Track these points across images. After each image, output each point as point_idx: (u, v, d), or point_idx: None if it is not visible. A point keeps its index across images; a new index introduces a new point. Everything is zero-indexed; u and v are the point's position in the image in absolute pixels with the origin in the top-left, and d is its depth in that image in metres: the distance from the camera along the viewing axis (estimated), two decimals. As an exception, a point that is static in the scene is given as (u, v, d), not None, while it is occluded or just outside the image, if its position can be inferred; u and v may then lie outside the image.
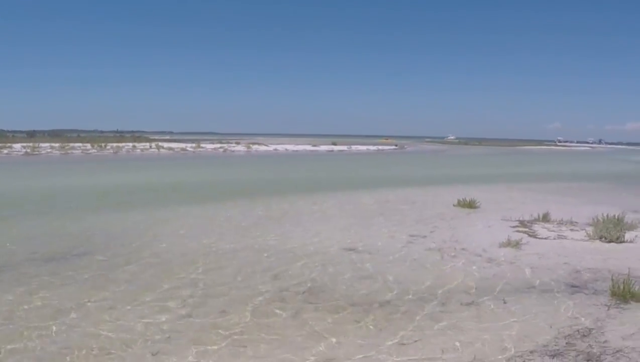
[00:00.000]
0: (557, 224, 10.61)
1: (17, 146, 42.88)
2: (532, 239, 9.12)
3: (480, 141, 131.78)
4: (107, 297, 6.00)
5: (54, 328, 5.04)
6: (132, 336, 4.89)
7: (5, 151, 39.71)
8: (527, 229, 10.05)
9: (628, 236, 9.03)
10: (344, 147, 63.44)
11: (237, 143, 62.16)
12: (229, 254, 8.15)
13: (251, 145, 57.90)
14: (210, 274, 6.99)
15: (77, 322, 5.21)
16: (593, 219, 9.71)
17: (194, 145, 53.36)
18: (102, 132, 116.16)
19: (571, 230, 9.97)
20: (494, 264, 7.52)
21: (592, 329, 4.94)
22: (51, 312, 5.47)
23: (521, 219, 11.25)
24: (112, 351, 4.56)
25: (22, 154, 38.96)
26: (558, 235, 9.49)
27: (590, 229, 9.37)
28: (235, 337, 4.89)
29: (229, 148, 54.21)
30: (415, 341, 4.78)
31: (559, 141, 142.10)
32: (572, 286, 6.41)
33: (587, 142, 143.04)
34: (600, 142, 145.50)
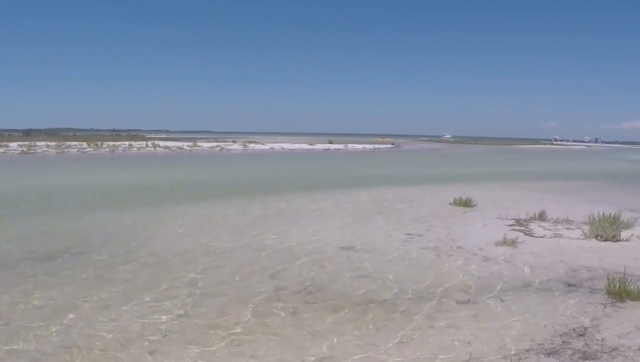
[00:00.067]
0: (554, 222, 10.65)
1: (13, 145, 42.73)
2: (528, 238, 9.16)
3: (476, 140, 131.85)
4: (105, 297, 5.99)
5: (51, 328, 5.03)
6: (129, 336, 4.88)
7: (1, 150, 39.51)
8: (523, 228, 10.09)
9: (624, 234, 9.07)
10: (341, 146, 63.42)
11: (234, 142, 62.08)
12: (226, 253, 8.15)
13: (247, 144, 57.85)
14: (208, 274, 6.99)
15: (74, 323, 5.20)
16: (589, 217, 9.75)
17: (190, 143, 53.25)
18: (98, 130, 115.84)
19: (567, 229, 10.01)
20: (490, 263, 7.55)
21: (588, 327, 4.97)
22: (48, 313, 5.45)
23: (517, 217, 11.28)
24: (110, 351, 4.56)
25: (18, 153, 38.81)
26: (554, 234, 9.53)
27: (586, 228, 9.41)
28: (234, 337, 4.89)
29: (226, 147, 54.16)
30: (414, 340, 4.80)
31: (555, 140, 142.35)
32: (569, 285, 6.44)
33: (584, 141, 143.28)
34: (596, 141, 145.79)
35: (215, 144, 57.17)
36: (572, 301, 5.79)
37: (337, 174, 26.77)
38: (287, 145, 58.75)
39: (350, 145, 65.77)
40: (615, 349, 4.41)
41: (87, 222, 10.75)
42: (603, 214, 9.39)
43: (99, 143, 47.34)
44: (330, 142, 67.89)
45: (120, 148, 45.80)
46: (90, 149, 44.06)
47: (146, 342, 4.73)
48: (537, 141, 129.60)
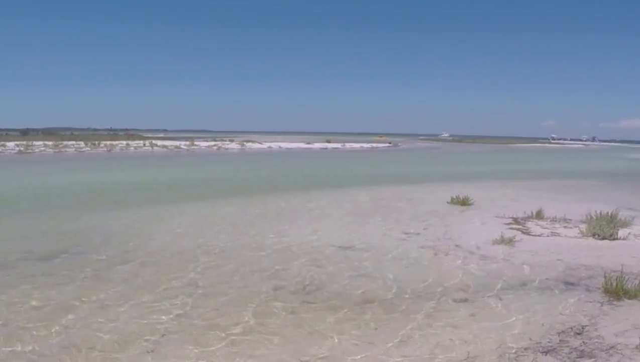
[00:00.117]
0: (551, 221, 10.68)
1: (11, 145, 42.65)
2: (525, 236, 9.18)
3: (474, 139, 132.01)
4: (103, 297, 5.99)
5: (50, 329, 5.02)
6: (128, 336, 4.87)
7: (-2, 149, 39.45)
8: (520, 227, 10.11)
9: (621, 233, 9.10)
10: (338, 145, 63.45)
11: (231, 141, 62.11)
12: (225, 253, 8.15)
13: (245, 143, 57.81)
14: (207, 273, 6.99)
15: (73, 323, 5.19)
16: (587, 216, 9.78)
17: (187, 143, 53.24)
18: (95, 130, 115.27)
19: (565, 227, 10.04)
20: (488, 262, 7.57)
21: (586, 325, 5.00)
22: (46, 313, 5.45)
23: (515, 216, 11.31)
24: (108, 352, 4.55)
25: (16, 153, 38.74)
26: (551, 232, 9.56)
27: (583, 226, 9.44)
28: (233, 337, 4.90)
29: (223, 146, 54.15)
30: (413, 339, 4.81)
31: (553, 139, 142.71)
32: (566, 283, 6.47)
33: (581, 140, 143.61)
34: (594, 139, 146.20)
35: (212, 143, 57.17)
36: (570, 300, 5.81)
37: (335, 173, 26.77)
38: (285, 145, 58.75)
39: (347, 144, 65.82)
40: (612, 347, 4.43)
41: (85, 222, 10.74)
42: (600, 213, 9.43)
43: (97, 142, 47.30)
44: (328, 141, 67.91)
45: (117, 147, 45.76)
46: (87, 148, 43.99)
47: (145, 343, 4.73)
48: (534, 140, 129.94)
